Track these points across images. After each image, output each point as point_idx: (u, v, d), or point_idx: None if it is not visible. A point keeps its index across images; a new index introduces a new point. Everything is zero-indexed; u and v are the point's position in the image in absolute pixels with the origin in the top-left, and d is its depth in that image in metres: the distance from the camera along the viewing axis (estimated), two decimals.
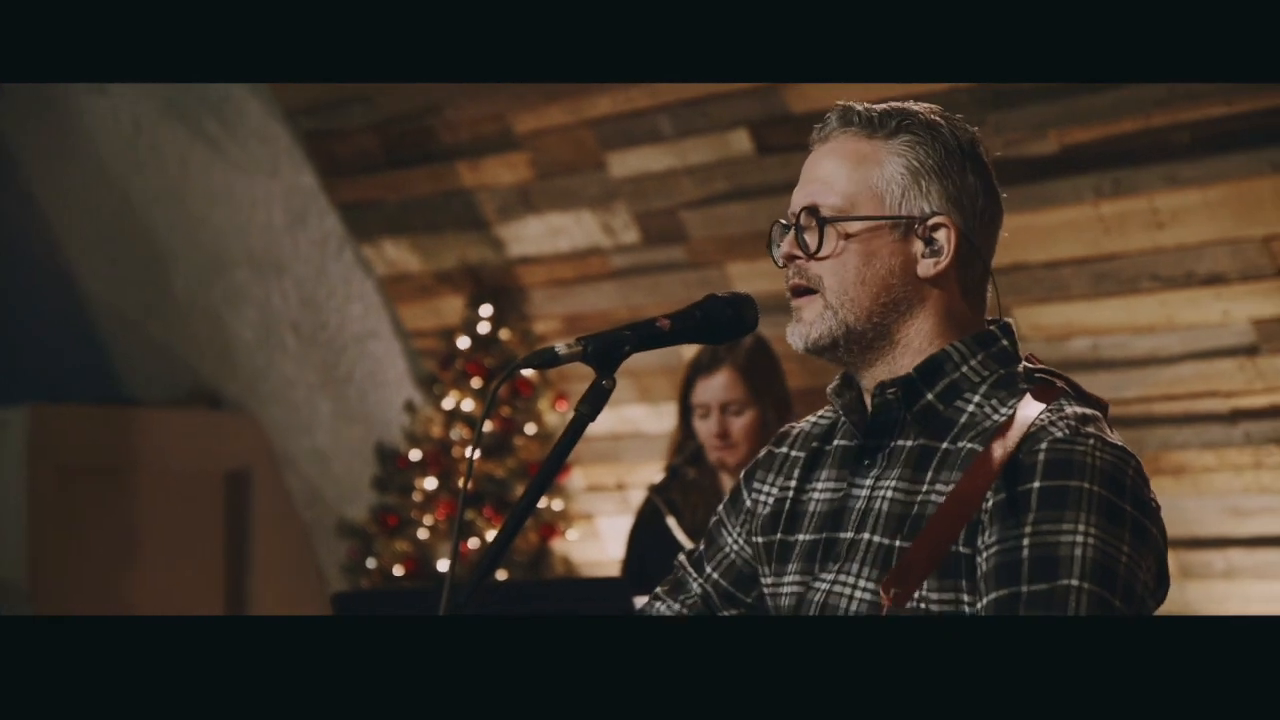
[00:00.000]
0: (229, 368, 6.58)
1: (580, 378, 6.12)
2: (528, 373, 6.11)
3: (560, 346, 1.89)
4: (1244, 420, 4.73)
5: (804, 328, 1.96)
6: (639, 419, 6.02)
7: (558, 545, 6.21)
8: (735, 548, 2.13)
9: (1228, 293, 4.59)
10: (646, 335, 1.94)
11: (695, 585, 2.17)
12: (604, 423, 6.33)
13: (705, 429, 3.80)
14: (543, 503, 6.09)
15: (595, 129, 5.64)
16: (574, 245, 5.95)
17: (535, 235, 6.03)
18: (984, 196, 1.96)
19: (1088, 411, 1.87)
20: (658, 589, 2.22)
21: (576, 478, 6.30)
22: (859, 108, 1.97)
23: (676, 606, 2.17)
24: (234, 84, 6.16)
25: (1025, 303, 4.88)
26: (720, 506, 2.19)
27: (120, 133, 6.08)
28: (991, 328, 1.98)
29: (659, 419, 5.93)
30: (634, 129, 5.55)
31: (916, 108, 1.97)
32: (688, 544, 3.54)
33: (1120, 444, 1.85)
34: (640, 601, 2.30)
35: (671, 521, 3.58)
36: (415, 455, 6.17)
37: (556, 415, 6.21)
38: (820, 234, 1.93)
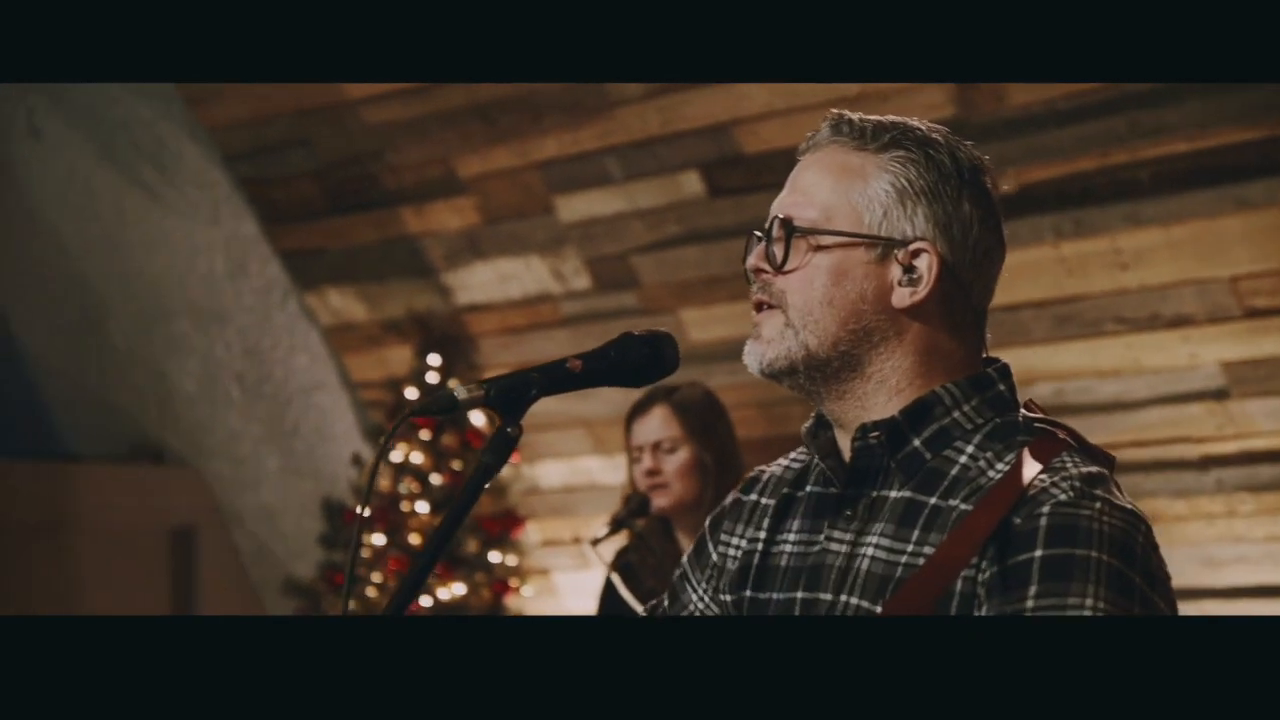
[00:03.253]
0: (171, 421, 6.39)
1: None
2: (479, 424, 5.93)
3: (460, 390, 1.70)
4: (1215, 467, 4.58)
5: (760, 346, 1.77)
6: (594, 470, 5.84)
7: (512, 601, 6.02)
8: (700, 605, 1.93)
9: (1195, 335, 4.45)
10: (555, 377, 1.75)
11: None
12: (558, 475, 6.20)
13: (638, 470, 3.64)
14: (496, 558, 5.91)
15: (542, 171, 5.48)
16: (524, 292, 5.78)
17: (484, 282, 5.86)
18: (980, 228, 1.78)
19: (1093, 470, 1.67)
20: None
21: (531, 532, 6.11)
22: (853, 117, 1.79)
23: None
24: (169, 130, 5.99)
25: None
26: (684, 558, 1.99)
27: (54, 180, 5.90)
28: (989, 370, 1.79)
29: (615, 470, 5.75)
30: (582, 172, 5.39)
31: (916, 123, 1.79)
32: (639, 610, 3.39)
33: (1130, 506, 1.66)
34: None
35: (626, 594, 3.44)
36: None
37: (509, 467, 6.03)
38: (788, 246, 1.76)
